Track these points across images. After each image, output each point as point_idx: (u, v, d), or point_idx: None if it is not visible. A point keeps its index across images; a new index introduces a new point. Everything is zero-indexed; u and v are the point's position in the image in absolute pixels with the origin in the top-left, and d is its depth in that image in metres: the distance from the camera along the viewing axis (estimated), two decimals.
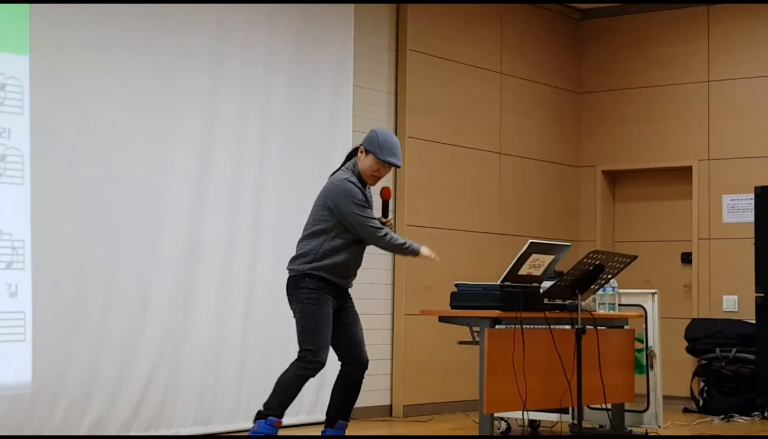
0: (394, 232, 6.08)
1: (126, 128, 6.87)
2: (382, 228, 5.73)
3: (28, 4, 6.40)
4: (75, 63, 6.63)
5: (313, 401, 7.75)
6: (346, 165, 5.85)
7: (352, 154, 5.89)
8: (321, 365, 5.69)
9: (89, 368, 6.64)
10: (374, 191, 5.97)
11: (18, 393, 6.32)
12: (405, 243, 5.79)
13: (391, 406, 8.57)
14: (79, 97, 6.64)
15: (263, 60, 7.70)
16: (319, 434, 5.93)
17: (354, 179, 5.75)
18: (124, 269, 6.82)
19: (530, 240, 6.16)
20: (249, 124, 7.57)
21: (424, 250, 5.79)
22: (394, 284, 8.64)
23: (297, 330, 5.76)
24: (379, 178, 5.82)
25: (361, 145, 5.81)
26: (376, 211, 5.89)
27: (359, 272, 5.91)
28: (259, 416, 5.75)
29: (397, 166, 5.84)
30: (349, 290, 5.92)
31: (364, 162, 5.77)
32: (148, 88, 6.99)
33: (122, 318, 6.80)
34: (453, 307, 6.30)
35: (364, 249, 5.86)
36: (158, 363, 6.98)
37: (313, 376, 5.72)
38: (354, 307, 5.92)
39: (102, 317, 6.71)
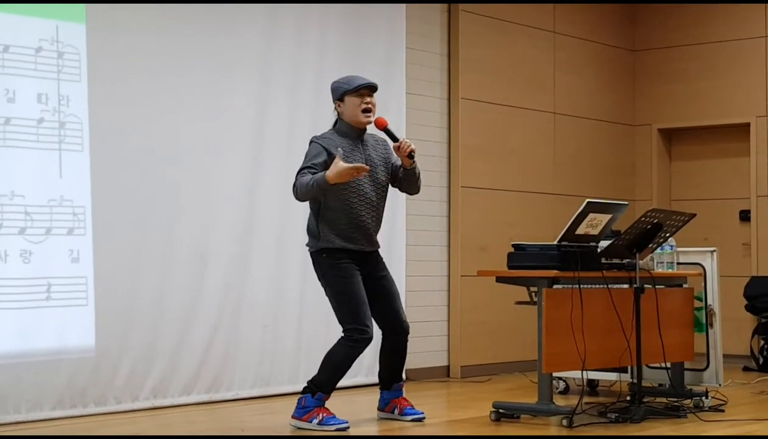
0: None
1: (181, 94, 6.92)
2: (296, 178, 5.53)
3: None
4: (131, 29, 6.68)
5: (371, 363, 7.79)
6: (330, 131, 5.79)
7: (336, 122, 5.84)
8: (368, 340, 5.68)
9: (150, 332, 6.74)
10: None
11: (82, 357, 6.43)
12: (310, 181, 5.48)
13: (448, 367, 8.59)
14: (134, 63, 6.70)
15: (316, 22, 7.70)
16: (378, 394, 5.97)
17: (323, 139, 5.66)
18: (182, 233, 6.89)
19: (587, 199, 6.12)
20: (302, 87, 7.58)
21: (330, 172, 5.42)
22: (449, 246, 8.64)
23: (333, 308, 5.75)
24: (370, 110, 5.70)
25: (334, 104, 5.76)
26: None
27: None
28: (307, 390, 5.75)
29: (370, 85, 5.69)
30: (380, 253, 5.86)
31: (347, 108, 5.70)
32: (203, 54, 7.03)
33: (181, 282, 6.89)
34: (510, 267, 6.28)
35: (364, 204, 5.71)
36: (217, 326, 7.06)
37: (362, 352, 5.73)
38: (386, 274, 5.86)
39: (161, 281, 6.79)
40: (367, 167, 5.53)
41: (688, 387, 6.88)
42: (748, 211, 9.70)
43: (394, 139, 5.75)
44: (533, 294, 6.24)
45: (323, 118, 7.65)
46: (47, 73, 6.34)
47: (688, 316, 6.90)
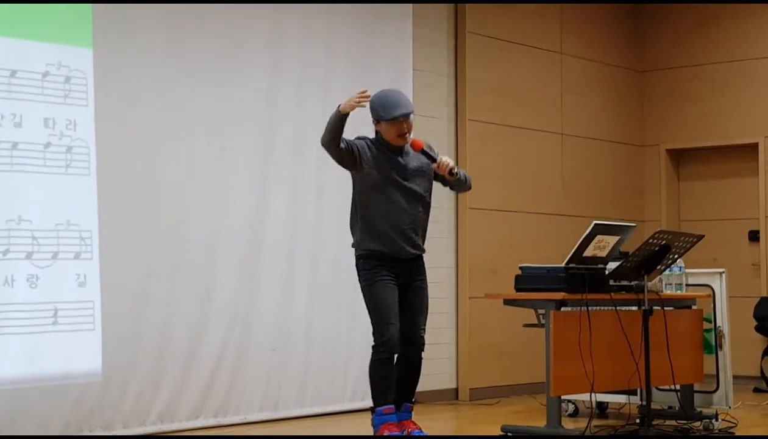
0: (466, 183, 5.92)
1: (189, 118, 6.93)
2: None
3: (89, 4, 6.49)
4: (137, 54, 6.70)
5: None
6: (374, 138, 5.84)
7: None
8: (389, 344, 5.65)
9: (157, 356, 6.73)
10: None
11: (88, 382, 6.42)
12: (328, 122, 5.57)
13: (457, 389, 8.56)
14: (141, 87, 6.71)
15: (323, 43, 7.72)
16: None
17: (368, 141, 5.73)
18: (189, 257, 6.89)
19: (595, 221, 6.10)
20: (309, 107, 7.58)
21: (343, 104, 5.52)
22: (457, 267, 8.62)
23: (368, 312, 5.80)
24: (404, 134, 5.73)
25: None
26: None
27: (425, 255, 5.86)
28: (371, 412, 5.78)
29: (406, 115, 5.70)
30: (424, 259, 5.85)
31: (383, 131, 5.74)
32: (209, 76, 7.05)
33: (188, 306, 6.88)
34: (518, 290, 6.27)
35: (395, 209, 5.72)
36: (225, 350, 7.04)
37: (389, 356, 5.69)
38: (424, 283, 5.86)
39: (168, 305, 6.79)
40: (366, 92, 5.58)
41: (698, 410, 6.84)
42: (758, 232, 9.66)
43: (433, 159, 5.80)
44: (541, 316, 6.21)
45: None
46: (54, 97, 6.35)
47: (698, 338, 6.86)
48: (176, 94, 6.87)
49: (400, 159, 5.79)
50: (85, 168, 6.46)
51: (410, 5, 8.30)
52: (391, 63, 8.16)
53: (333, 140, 5.58)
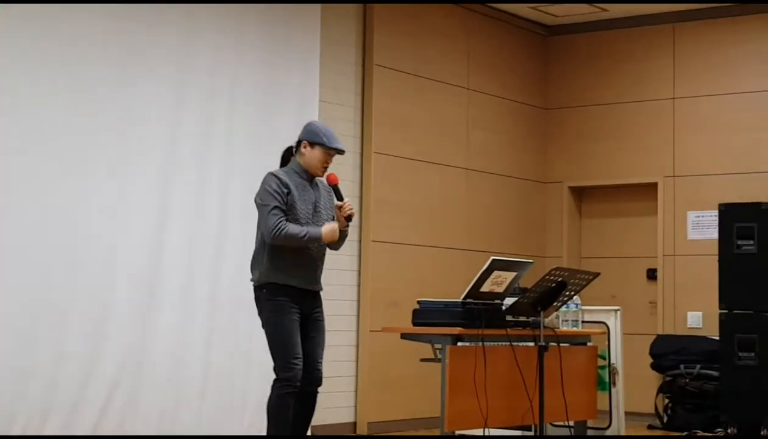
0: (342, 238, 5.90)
1: (86, 142, 6.80)
2: (280, 220, 5.53)
3: None
4: (22, 66, 6.53)
5: None
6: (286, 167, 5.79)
7: (287, 153, 5.83)
8: (294, 378, 5.57)
9: (47, 388, 6.54)
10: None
11: None
12: (302, 232, 5.54)
13: (355, 423, 8.52)
14: (36, 114, 6.57)
15: (229, 74, 7.67)
16: None
17: (283, 174, 5.66)
18: (82, 288, 6.73)
19: (492, 257, 6.14)
20: (213, 139, 7.53)
21: (326, 227, 5.57)
22: (359, 300, 8.61)
23: (268, 346, 5.71)
24: (327, 168, 5.75)
25: (301, 139, 5.73)
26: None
27: (325, 288, 5.85)
28: None
29: (342, 151, 5.77)
30: (321, 294, 5.81)
31: (312, 155, 5.70)
32: (110, 107, 6.93)
33: (80, 337, 6.71)
34: (415, 324, 6.27)
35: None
36: (118, 381, 6.90)
37: (292, 391, 5.58)
38: (322, 316, 5.82)
39: (60, 336, 6.61)
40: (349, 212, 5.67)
41: None
42: (655, 270, 9.83)
43: (340, 198, 5.78)
44: (438, 351, 6.22)
45: (232, 171, 7.64)
46: None
47: (592, 374, 6.94)
48: (71, 122, 6.73)
49: (312, 190, 5.77)
50: None
51: (318, 36, 8.30)
52: (298, 95, 8.14)
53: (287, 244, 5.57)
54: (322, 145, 5.70)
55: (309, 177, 5.76)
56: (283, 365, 5.59)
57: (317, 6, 8.29)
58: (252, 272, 5.72)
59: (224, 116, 7.60)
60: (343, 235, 5.82)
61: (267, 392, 5.64)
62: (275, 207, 5.56)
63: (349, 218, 5.75)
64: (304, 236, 5.55)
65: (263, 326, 5.70)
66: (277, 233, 5.52)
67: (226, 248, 7.53)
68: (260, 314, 5.72)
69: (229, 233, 7.56)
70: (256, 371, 7.46)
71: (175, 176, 7.30)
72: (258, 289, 5.70)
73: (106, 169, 6.91)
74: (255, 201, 5.67)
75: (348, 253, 8.49)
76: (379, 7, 8.79)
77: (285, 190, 5.60)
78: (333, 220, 5.80)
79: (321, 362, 5.82)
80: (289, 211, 5.60)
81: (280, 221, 5.54)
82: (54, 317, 6.60)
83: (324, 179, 5.79)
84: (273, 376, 5.62)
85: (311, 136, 5.74)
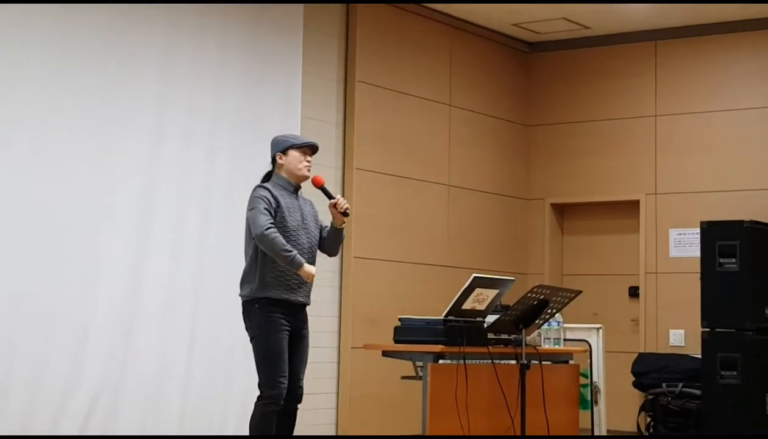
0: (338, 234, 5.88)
1: (68, 154, 6.76)
2: (272, 225, 5.52)
3: None
4: (11, 83, 6.52)
5: None
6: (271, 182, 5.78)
7: (267, 177, 5.82)
8: (278, 396, 5.54)
9: (27, 401, 6.49)
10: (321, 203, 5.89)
11: None
12: (290, 250, 5.52)
13: None
14: (19, 123, 6.53)
15: (210, 89, 7.64)
16: None
17: (271, 187, 5.66)
18: (63, 300, 6.68)
19: (474, 274, 6.11)
20: (195, 154, 7.49)
21: (306, 268, 5.56)
22: (340, 317, 8.56)
23: (255, 359, 5.66)
24: (309, 165, 5.77)
25: (273, 155, 5.76)
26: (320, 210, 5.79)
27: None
28: None
29: (315, 146, 5.81)
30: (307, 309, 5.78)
31: (289, 160, 5.73)
32: (91, 119, 6.90)
33: (61, 351, 6.66)
34: (396, 341, 6.24)
35: (303, 245, 5.69)
36: (98, 398, 6.83)
37: (276, 409, 5.55)
38: (307, 333, 5.78)
39: (41, 349, 6.56)
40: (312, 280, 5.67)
41: None
42: (637, 288, 9.82)
43: (330, 196, 5.78)
44: (419, 369, 6.18)
45: (214, 186, 7.60)
46: None
47: (574, 392, 6.91)
48: (54, 133, 6.69)
49: (297, 202, 5.76)
50: None
51: (300, 52, 8.28)
52: (280, 111, 8.11)
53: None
54: (292, 146, 5.76)
55: (294, 189, 5.77)
56: (269, 382, 5.55)
57: (299, 22, 8.27)
58: (242, 287, 5.68)
59: (206, 133, 7.56)
60: (340, 236, 5.84)
61: (249, 408, 5.61)
62: (266, 209, 5.58)
63: (345, 213, 5.75)
64: (290, 252, 5.52)
65: (252, 341, 5.65)
66: (268, 231, 5.50)
67: (207, 264, 7.49)
68: (249, 329, 5.68)
69: (210, 249, 7.52)
70: (237, 387, 7.40)
71: (157, 193, 7.25)
72: (249, 303, 5.66)
73: (89, 183, 6.86)
74: (246, 216, 5.64)
75: (329, 269, 8.45)
76: (361, 24, 8.77)
77: (275, 204, 5.63)
78: (318, 230, 5.81)
79: (302, 379, 5.79)
80: (279, 224, 5.59)
81: (273, 224, 5.55)
82: (33, 333, 6.53)
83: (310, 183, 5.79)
84: (255, 392, 5.58)
85: (280, 146, 5.79)
